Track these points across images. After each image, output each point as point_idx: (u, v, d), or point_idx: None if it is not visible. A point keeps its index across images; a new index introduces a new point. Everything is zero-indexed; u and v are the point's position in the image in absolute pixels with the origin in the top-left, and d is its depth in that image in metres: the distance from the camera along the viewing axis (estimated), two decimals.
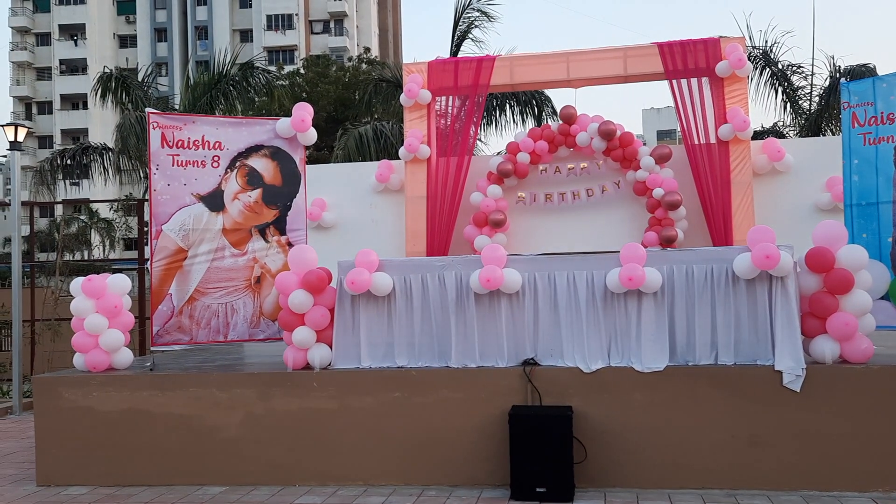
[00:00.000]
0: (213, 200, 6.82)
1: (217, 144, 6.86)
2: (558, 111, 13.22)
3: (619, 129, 9.21)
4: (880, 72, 13.72)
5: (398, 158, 9.96)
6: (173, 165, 6.70)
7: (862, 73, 13.86)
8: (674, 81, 9.04)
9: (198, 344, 6.80)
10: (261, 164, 6.94)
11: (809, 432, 5.26)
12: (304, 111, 6.96)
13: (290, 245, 6.85)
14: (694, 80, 8.99)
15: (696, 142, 8.94)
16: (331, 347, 6.03)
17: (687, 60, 8.97)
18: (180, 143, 6.72)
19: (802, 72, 14.82)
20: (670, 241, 8.76)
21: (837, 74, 13.95)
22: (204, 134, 6.84)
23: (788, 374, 5.27)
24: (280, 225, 6.94)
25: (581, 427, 5.42)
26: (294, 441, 5.83)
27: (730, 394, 5.38)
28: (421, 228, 9.55)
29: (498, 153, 10.06)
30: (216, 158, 6.84)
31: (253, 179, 6.91)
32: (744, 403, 5.35)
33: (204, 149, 6.82)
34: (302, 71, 28.68)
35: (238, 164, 6.90)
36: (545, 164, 9.65)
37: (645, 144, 9.62)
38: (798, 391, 5.25)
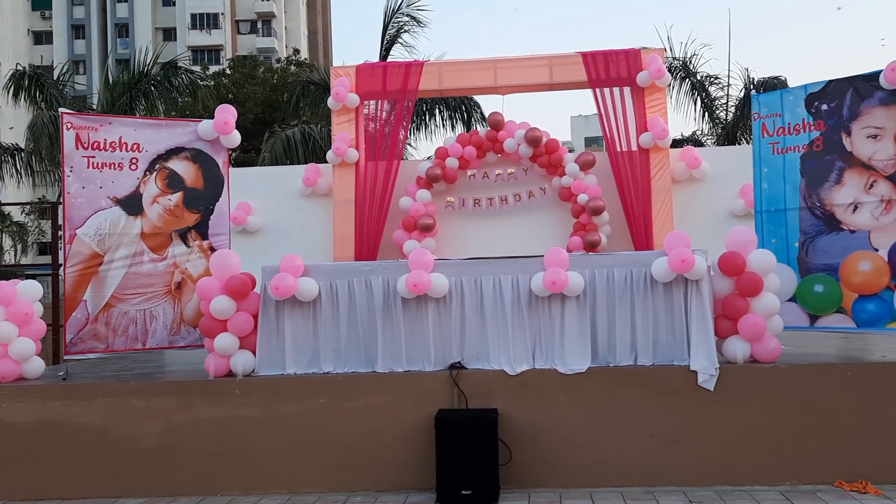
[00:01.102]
0: (131, 204, 6.62)
1: (135, 146, 6.66)
2: (487, 117, 13.39)
3: (545, 135, 9.39)
4: (790, 83, 14.43)
5: (326, 162, 9.89)
6: (89, 168, 6.48)
7: (773, 84, 14.52)
8: (597, 90, 9.27)
9: (114, 352, 6.59)
10: (182, 166, 6.78)
11: (722, 429, 5.46)
12: (227, 113, 6.83)
13: (212, 250, 6.70)
14: (616, 89, 9.24)
15: (619, 149, 9.20)
16: (254, 354, 5.93)
17: (609, 70, 9.21)
18: (96, 144, 6.50)
19: (719, 83, 15.45)
20: (594, 245, 8.98)
21: (751, 86, 14.57)
22: (121, 135, 6.63)
23: (703, 373, 5.46)
24: (202, 229, 6.78)
25: (506, 429, 5.49)
26: (216, 450, 5.70)
27: (648, 394, 5.54)
28: (349, 233, 9.50)
29: (427, 158, 10.09)
30: (134, 161, 6.65)
31: (173, 182, 6.74)
32: (661, 403, 5.52)
33: (121, 151, 6.62)
34: (228, 71, 28.13)
35: (157, 166, 6.72)
36: (474, 170, 9.75)
37: (572, 151, 9.85)
38: (712, 390, 5.44)
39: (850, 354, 6.42)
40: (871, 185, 5.98)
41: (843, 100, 6.12)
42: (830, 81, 6.21)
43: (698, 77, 15.13)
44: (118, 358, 7.56)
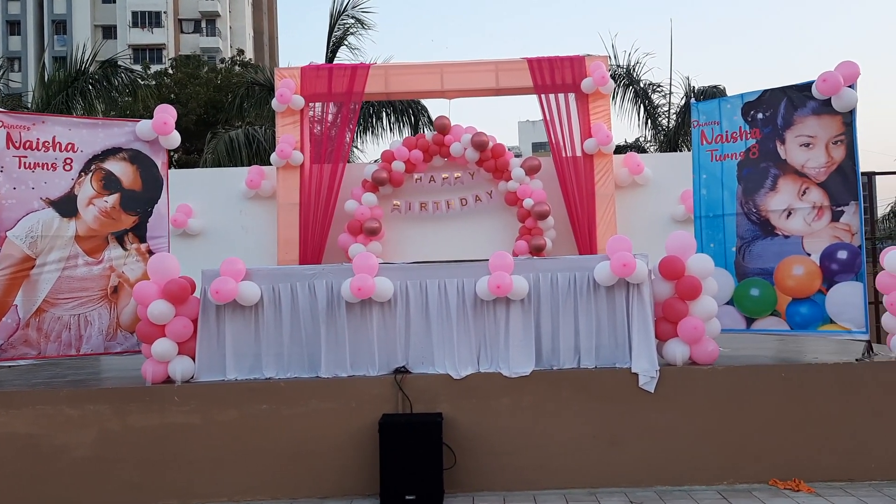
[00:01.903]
0: (65, 205, 6.41)
1: (70, 146, 6.45)
2: (434, 121, 13.37)
3: (491, 140, 9.44)
4: (729, 92, 14.81)
5: (270, 164, 9.76)
6: (20, 168, 6.25)
7: (713, 93, 14.90)
8: (542, 96, 9.36)
9: (47, 358, 6.35)
10: (118, 167, 6.59)
11: (662, 430, 5.55)
12: (166, 113, 6.67)
13: (150, 253, 6.53)
14: (561, 96, 9.35)
15: (564, 154, 9.30)
16: (194, 360, 5.79)
17: (554, 76, 9.32)
18: (28, 144, 6.27)
19: (661, 91, 15.79)
20: (539, 249, 9.05)
21: (692, 94, 14.92)
22: (55, 135, 6.42)
23: (644, 375, 5.55)
24: (140, 232, 6.60)
25: (451, 433, 5.48)
26: (153, 459, 5.54)
27: (591, 396, 5.60)
28: (293, 236, 9.39)
29: (373, 161, 10.04)
30: (69, 161, 6.44)
31: (110, 184, 6.54)
32: (604, 405, 5.59)
33: (55, 150, 6.40)
34: (170, 71, 27.52)
35: (93, 167, 6.52)
36: (420, 174, 9.74)
37: (519, 156, 9.92)
38: (652, 392, 5.54)
39: (784, 356, 6.60)
40: (804, 192, 6.18)
41: (777, 109, 6.31)
42: (766, 91, 6.40)
43: (641, 85, 15.44)
44: (51, 364, 7.30)
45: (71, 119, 6.75)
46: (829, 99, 6.00)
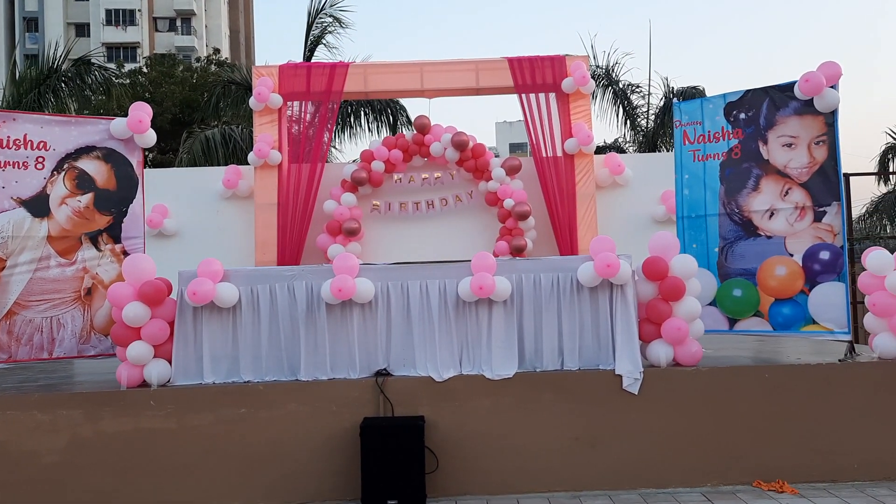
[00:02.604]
0: (37, 205, 6.24)
1: (42, 144, 6.28)
2: (413, 120, 13.28)
3: (471, 140, 9.37)
4: (708, 92, 14.91)
5: (247, 164, 9.61)
6: None
7: (692, 94, 15.00)
8: (523, 95, 9.32)
9: (18, 362, 6.18)
10: (92, 166, 6.43)
11: (646, 432, 5.51)
12: (141, 111, 6.52)
13: (125, 254, 6.37)
14: (542, 95, 9.31)
15: (544, 154, 9.26)
16: (170, 363, 5.66)
17: (535, 76, 9.27)
18: None
19: (640, 91, 15.84)
20: (520, 250, 9.00)
21: (671, 95, 14.99)
22: (26, 133, 6.24)
23: (627, 377, 5.50)
24: (114, 232, 6.44)
25: (433, 436, 5.40)
26: (126, 465, 5.39)
27: (573, 398, 5.54)
28: (271, 237, 9.26)
29: (352, 161, 9.93)
30: (40, 159, 6.26)
31: (83, 183, 6.38)
32: (586, 407, 5.53)
33: (26, 149, 6.22)
34: (145, 70, 27.17)
35: (66, 166, 6.35)
36: (400, 174, 9.65)
37: (497, 156, 9.86)
38: (636, 394, 5.50)
39: (766, 357, 6.60)
40: (787, 193, 6.19)
41: (759, 109, 6.31)
42: (748, 91, 6.40)
43: (620, 85, 15.48)
44: (22, 368, 7.11)
45: (43, 116, 6.57)
46: (812, 99, 6.01)
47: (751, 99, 6.37)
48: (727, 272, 6.43)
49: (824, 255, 5.97)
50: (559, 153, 9.27)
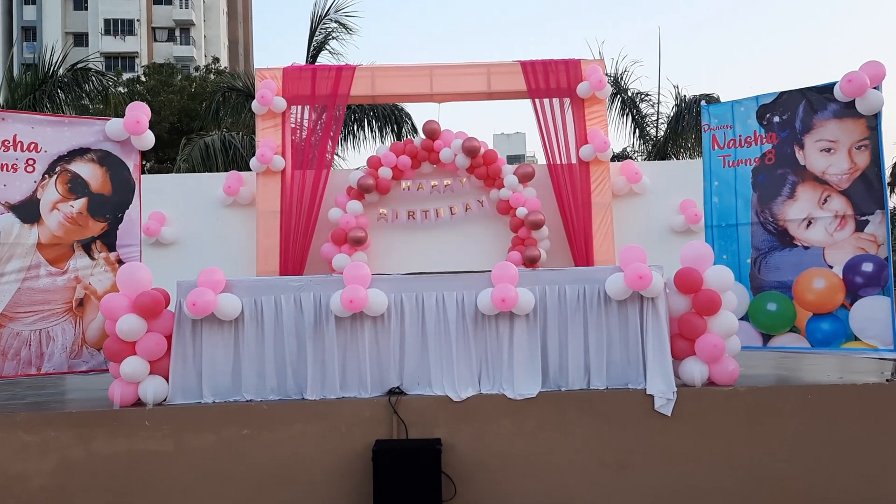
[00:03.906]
0: (27, 210, 5.86)
1: (32, 146, 5.92)
2: (418, 128, 12.97)
3: (482, 146, 9.03)
4: (723, 100, 14.56)
5: (249, 170, 9.25)
6: None
7: (706, 102, 14.65)
8: (536, 101, 8.98)
9: (4, 378, 5.79)
10: (86, 169, 6.05)
11: (680, 457, 5.13)
12: (139, 111, 6.16)
13: (120, 262, 5.99)
14: (556, 101, 8.99)
15: (558, 162, 8.92)
16: (167, 380, 5.26)
17: (549, 80, 8.96)
18: None
19: (650, 99, 15.53)
20: (533, 260, 8.64)
21: (683, 103, 14.68)
22: (16, 133, 5.88)
23: (660, 397, 5.13)
24: (108, 240, 6.06)
25: (450, 460, 5.02)
26: (120, 489, 5.01)
27: (601, 420, 5.17)
28: (274, 246, 8.89)
29: (358, 168, 9.58)
30: (31, 162, 5.90)
31: (76, 187, 6.00)
32: (615, 429, 5.16)
33: (15, 150, 5.86)
34: (143, 79, 26.86)
35: (58, 169, 5.98)
36: (408, 180, 9.29)
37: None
38: (669, 415, 5.12)
39: (799, 375, 6.23)
40: (825, 201, 5.82)
41: (795, 112, 5.96)
42: (783, 93, 6.05)
43: (629, 93, 15.17)
44: (8, 385, 6.69)
45: (34, 116, 6.19)
46: (853, 101, 5.65)
47: (785, 101, 6.02)
48: (760, 285, 6.05)
49: (867, 266, 5.60)
50: (573, 160, 8.93)
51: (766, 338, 6.03)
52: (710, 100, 14.60)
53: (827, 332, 5.74)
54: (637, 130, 15.38)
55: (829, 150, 5.82)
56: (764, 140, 6.11)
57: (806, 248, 5.88)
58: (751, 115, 6.18)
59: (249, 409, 5.16)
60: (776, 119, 6.04)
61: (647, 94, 15.44)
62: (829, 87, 5.80)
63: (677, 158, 14.88)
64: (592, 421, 5.16)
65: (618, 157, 15.41)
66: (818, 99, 5.85)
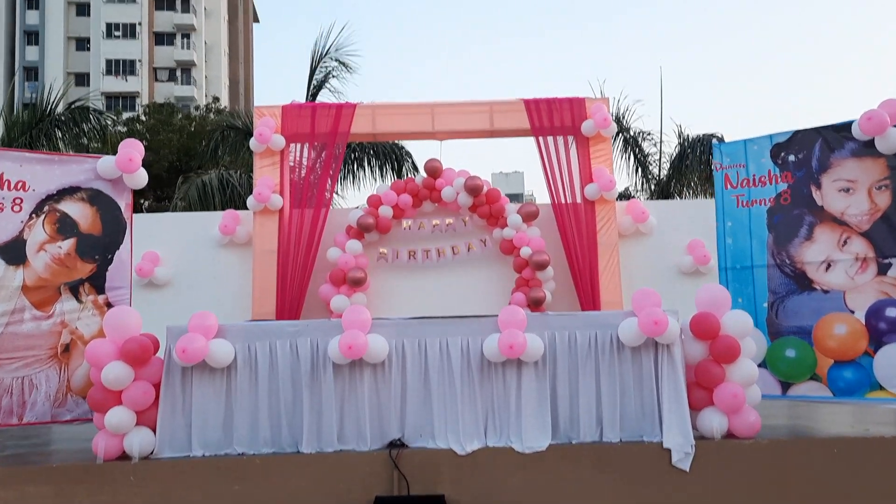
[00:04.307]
0: (12, 251, 5.61)
1: (20, 185, 5.69)
2: (419, 166, 12.79)
3: (485, 184, 8.83)
4: (727, 140, 14.43)
5: (246, 209, 9.04)
6: None
7: (710, 140, 14.53)
8: (540, 139, 8.81)
9: None
10: (76, 209, 5.82)
11: None
12: (132, 148, 5.96)
13: (108, 306, 5.72)
14: (560, 139, 8.82)
15: (563, 201, 8.72)
16: (154, 432, 4.96)
17: (553, 118, 8.79)
18: None
19: (652, 138, 15.39)
20: (539, 302, 8.37)
21: (686, 142, 14.54)
22: (3, 171, 5.66)
23: (677, 451, 4.83)
24: (97, 282, 5.80)
25: None
26: None
27: (616, 474, 4.87)
28: (270, 287, 8.61)
29: (358, 206, 9.36)
30: (17, 201, 5.67)
31: (65, 227, 5.76)
32: (630, 485, 4.85)
33: (2, 189, 5.63)
34: (143, 118, 26.84)
35: (47, 208, 5.75)
36: (409, 220, 9.06)
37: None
38: (687, 470, 4.81)
39: (820, 426, 5.93)
40: (845, 242, 5.59)
41: (811, 150, 5.76)
42: (798, 132, 5.86)
43: (631, 132, 15.05)
44: None
45: (23, 154, 5.97)
46: (872, 140, 5.45)
47: (801, 140, 5.83)
48: (778, 330, 5.79)
49: (891, 312, 5.35)
50: (578, 199, 8.73)
51: (786, 386, 5.75)
52: (716, 139, 14.48)
53: (850, 380, 5.46)
54: (640, 169, 15.23)
55: (847, 189, 5.60)
56: (779, 179, 5.90)
57: (826, 291, 5.64)
58: (764, 153, 5.98)
59: (241, 464, 4.86)
60: (791, 158, 5.84)
61: (649, 133, 15.33)
62: (846, 126, 5.61)
63: (681, 198, 14.71)
64: (607, 477, 4.86)
65: (621, 197, 15.24)
66: (835, 137, 5.66)
